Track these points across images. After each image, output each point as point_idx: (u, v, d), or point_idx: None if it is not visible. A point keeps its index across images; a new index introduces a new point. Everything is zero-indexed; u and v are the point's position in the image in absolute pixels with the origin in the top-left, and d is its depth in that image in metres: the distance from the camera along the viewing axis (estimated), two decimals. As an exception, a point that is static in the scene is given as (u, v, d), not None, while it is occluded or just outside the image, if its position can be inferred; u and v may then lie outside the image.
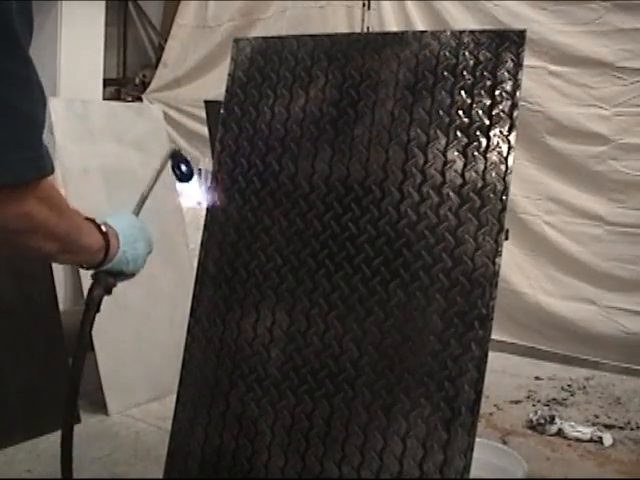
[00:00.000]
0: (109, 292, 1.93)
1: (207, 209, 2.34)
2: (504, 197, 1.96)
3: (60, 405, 4.37)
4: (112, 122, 4.75)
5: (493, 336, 1.94)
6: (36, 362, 4.24)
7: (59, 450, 4.10)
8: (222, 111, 2.39)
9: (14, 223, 1.30)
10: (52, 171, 1.32)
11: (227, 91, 2.40)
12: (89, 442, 4.19)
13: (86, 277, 4.55)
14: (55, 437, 4.24)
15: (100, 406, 4.63)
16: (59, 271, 4.54)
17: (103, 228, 1.73)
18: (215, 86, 6.10)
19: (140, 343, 4.76)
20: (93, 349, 4.55)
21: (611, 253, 5.54)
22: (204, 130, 6.42)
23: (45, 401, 4.21)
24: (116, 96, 8.77)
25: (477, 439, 1.93)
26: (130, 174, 4.82)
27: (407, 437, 1.96)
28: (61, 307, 4.51)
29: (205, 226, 2.32)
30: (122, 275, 1.86)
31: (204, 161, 6.25)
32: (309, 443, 2.07)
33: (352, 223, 2.08)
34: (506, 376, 5.31)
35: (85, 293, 4.55)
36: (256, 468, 2.14)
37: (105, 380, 4.59)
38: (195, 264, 2.33)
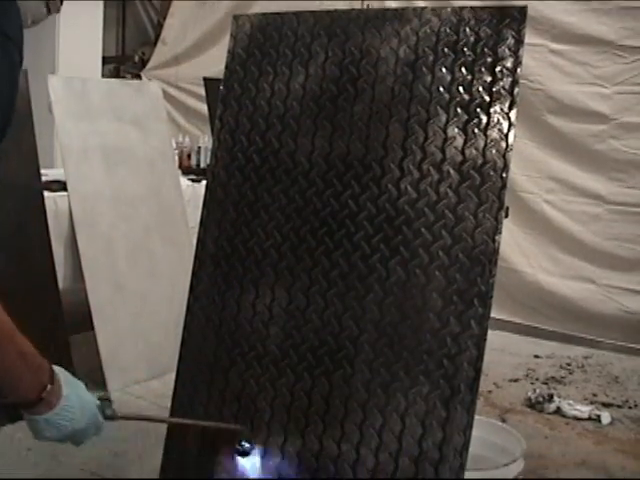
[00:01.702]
0: None
1: (206, 187, 2.33)
2: (504, 174, 1.95)
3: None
4: (111, 100, 4.73)
5: (492, 314, 1.93)
6: (36, 341, 4.23)
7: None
8: (221, 88, 2.37)
9: None
10: None
11: (226, 68, 2.38)
12: (89, 420, 4.18)
13: (86, 256, 4.57)
14: (55, 415, 4.26)
15: (100, 384, 4.63)
16: (59, 250, 4.54)
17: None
18: (214, 63, 6.06)
19: (140, 321, 4.76)
20: (93, 328, 4.55)
21: (611, 232, 5.53)
22: (203, 107, 6.39)
23: (45, 379, 4.21)
24: (115, 74, 8.74)
25: (476, 417, 1.93)
26: (129, 152, 4.81)
27: (406, 415, 1.96)
28: (61, 286, 4.51)
29: (204, 204, 2.31)
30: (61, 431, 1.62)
31: (203, 139, 6.23)
32: (308, 421, 2.07)
33: (352, 200, 2.07)
34: (505, 354, 5.32)
35: (85, 272, 4.56)
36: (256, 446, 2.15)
37: (105, 358, 4.59)
38: (194, 242, 2.32)
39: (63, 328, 4.48)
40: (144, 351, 4.74)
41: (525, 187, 5.76)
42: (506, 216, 1.96)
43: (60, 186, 4.67)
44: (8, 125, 1.43)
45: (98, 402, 1.74)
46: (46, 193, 4.40)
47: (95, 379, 4.64)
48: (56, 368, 1.63)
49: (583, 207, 5.64)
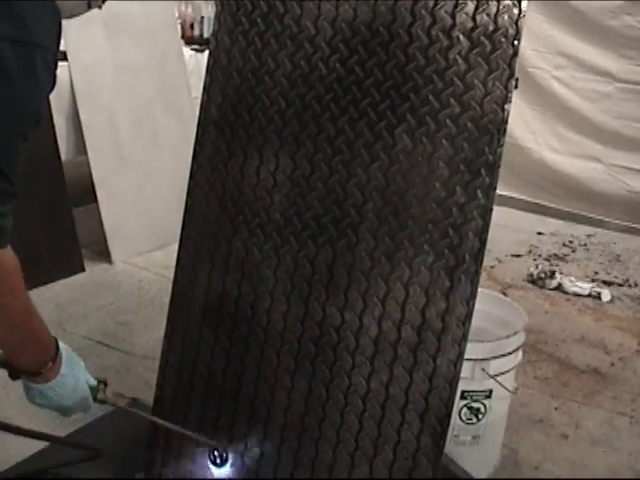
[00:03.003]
0: None
1: (209, 52, 2.28)
2: (516, 42, 1.89)
3: (63, 256, 4.42)
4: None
5: (497, 191, 1.91)
6: (39, 214, 4.24)
7: (64, 298, 4.17)
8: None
9: None
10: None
11: None
12: (94, 290, 4.25)
13: (88, 128, 4.53)
14: (59, 286, 4.32)
15: (104, 255, 4.67)
16: (60, 122, 4.49)
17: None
18: None
19: (143, 193, 4.76)
20: (96, 200, 4.55)
21: (620, 111, 5.48)
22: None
23: (49, 251, 4.24)
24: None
25: (479, 289, 1.93)
26: (131, 22, 4.72)
27: (410, 284, 1.95)
28: (63, 158, 4.48)
29: (207, 70, 2.26)
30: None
31: (207, 8, 6.11)
32: (312, 289, 2.07)
33: (358, 66, 2.02)
34: (509, 231, 5.34)
35: (87, 144, 4.53)
36: (258, 314, 2.16)
37: (109, 230, 4.61)
38: (198, 113, 2.28)
39: (66, 201, 4.48)
40: (147, 222, 4.76)
41: (534, 62, 5.67)
42: (515, 87, 1.91)
43: (60, 56, 4.59)
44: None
45: (95, 383, 1.85)
46: (46, 63, 4.32)
47: (99, 251, 4.69)
48: (62, 346, 1.72)
49: (593, 84, 5.57)
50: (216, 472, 2.18)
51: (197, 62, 5.32)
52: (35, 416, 3.03)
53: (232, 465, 2.16)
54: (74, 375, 1.74)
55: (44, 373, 1.66)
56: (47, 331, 1.66)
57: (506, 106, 1.88)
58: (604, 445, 3.02)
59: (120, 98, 4.67)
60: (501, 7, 1.92)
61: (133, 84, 4.72)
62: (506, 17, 1.91)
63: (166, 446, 2.32)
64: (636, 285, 4.70)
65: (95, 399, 1.85)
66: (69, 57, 4.44)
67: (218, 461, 2.17)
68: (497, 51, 1.89)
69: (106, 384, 1.90)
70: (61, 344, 1.72)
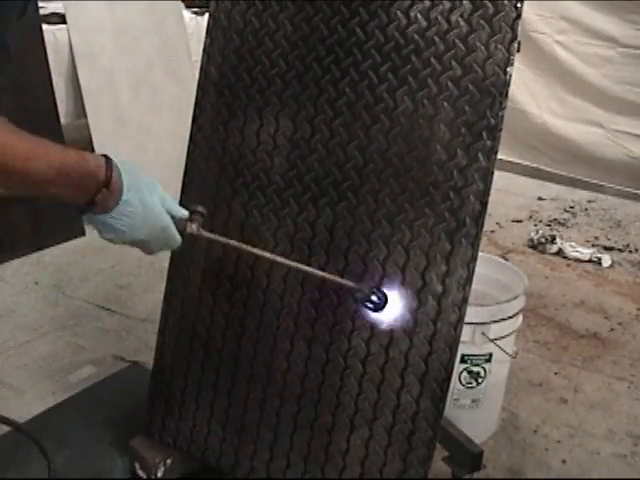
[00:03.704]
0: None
1: (209, 14, 2.26)
2: (519, 4, 1.87)
3: (63, 220, 4.41)
4: None
5: (498, 155, 1.90)
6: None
7: (64, 262, 4.17)
8: None
9: None
10: None
11: None
12: (94, 254, 4.25)
13: (87, 91, 4.50)
14: (59, 250, 4.33)
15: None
16: (60, 85, 4.47)
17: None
18: None
19: (143, 156, 4.74)
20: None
21: (623, 76, 5.45)
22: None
23: (49, 213, 4.23)
24: None
25: (479, 254, 1.92)
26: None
27: (410, 247, 1.95)
28: (62, 122, 4.47)
29: (207, 31, 2.24)
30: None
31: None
32: (312, 251, 2.07)
33: (359, 28, 2.00)
34: (509, 195, 5.34)
35: (87, 107, 4.50)
36: (258, 276, 2.15)
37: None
38: (197, 75, 2.27)
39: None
40: (148, 186, 4.73)
41: (536, 27, 5.63)
42: (518, 50, 1.90)
43: (59, 19, 4.56)
44: None
45: (185, 213, 1.66)
46: (44, 26, 4.28)
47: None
48: (126, 171, 1.51)
49: (595, 49, 5.53)
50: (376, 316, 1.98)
51: (197, 25, 5.28)
52: (33, 378, 3.05)
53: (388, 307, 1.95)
54: (142, 201, 1.52)
55: (99, 202, 1.45)
56: (84, 160, 1.44)
57: (508, 69, 1.86)
58: (603, 409, 3.03)
59: (120, 61, 4.64)
60: (505, -31, 1.90)
61: (133, 47, 4.69)
62: (509, -21, 1.88)
63: (166, 409, 2.33)
64: (636, 250, 4.70)
65: (182, 233, 1.65)
66: (68, 19, 4.41)
67: (375, 304, 1.93)
68: (500, 13, 1.87)
69: (203, 215, 1.71)
70: (127, 167, 1.51)
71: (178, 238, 1.64)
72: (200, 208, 1.71)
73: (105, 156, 1.49)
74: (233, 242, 1.86)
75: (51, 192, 1.40)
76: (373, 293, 1.90)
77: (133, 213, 1.50)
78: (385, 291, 1.92)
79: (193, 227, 1.67)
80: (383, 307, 1.92)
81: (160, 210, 1.58)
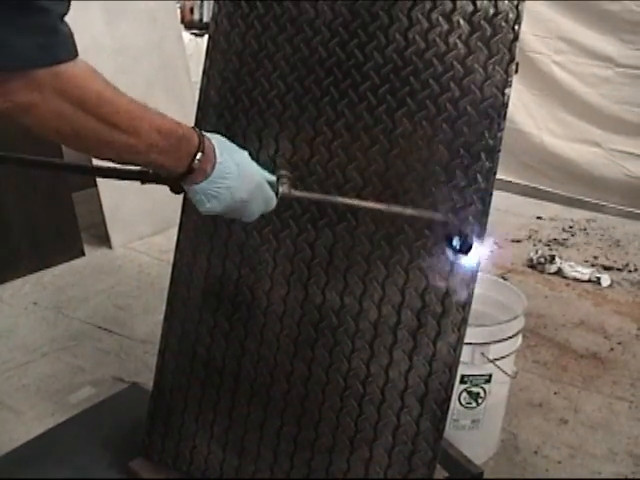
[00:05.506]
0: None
1: (209, 36, 2.27)
2: (516, 26, 1.88)
3: (63, 240, 4.41)
4: None
5: (496, 175, 1.90)
6: (39, 198, 4.24)
7: (63, 283, 4.17)
8: None
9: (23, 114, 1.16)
10: (68, 59, 1.17)
11: None
12: (93, 275, 4.25)
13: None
14: (59, 270, 4.33)
15: (104, 239, 4.68)
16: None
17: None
18: None
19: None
20: (96, 184, 4.55)
21: (620, 95, 5.47)
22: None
23: (49, 234, 4.24)
24: None
25: (479, 274, 1.93)
26: (130, 4, 4.70)
27: (409, 267, 1.96)
28: (62, 141, 4.47)
29: (207, 53, 2.25)
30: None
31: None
32: (311, 272, 2.07)
33: (358, 50, 2.01)
34: (508, 215, 5.35)
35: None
36: (258, 297, 2.16)
37: (108, 214, 4.61)
38: (197, 97, 2.27)
39: (66, 185, 4.48)
40: (147, 206, 4.75)
41: (534, 47, 5.66)
42: (516, 72, 1.91)
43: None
44: None
45: (271, 177, 1.64)
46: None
47: (99, 235, 4.69)
48: (212, 136, 1.51)
49: (593, 69, 5.55)
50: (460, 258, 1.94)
51: (196, 46, 5.31)
52: (32, 399, 3.05)
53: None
54: (235, 161, 1.52)
55: (198, 168, 1.44)
56: (175, 127, 1.43)
57: (506, 90, 1.87)
58: (603, 429, 3.02)
59: (119, 80, 4.60)
60: (502, -9, 1.91)
61: (132, 67, 4.70)
62: (506, 1, 1.90)
63: (166, 430, 2.33)
64: (636, 270, 4.70)
65: (277, 194, 1.64)
66: (68, 40, 4.42)
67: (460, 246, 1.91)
68: (497, 35, 1.88)
69: (289, 177, 1.70)
70: (212, 136, 1.51)
71: (274, 196, 1.64)
72: (284, 172, 1.70)
73: None
74: (326, 196, 1.99)
75: (152, 159, 1.38)
76: (467, 236, 1.89)
77: (231, 175, 1.50)
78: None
79: (285, 187, 1.67)
80: (468, 251, 1.89)
81: (252, 169, 1.58)
